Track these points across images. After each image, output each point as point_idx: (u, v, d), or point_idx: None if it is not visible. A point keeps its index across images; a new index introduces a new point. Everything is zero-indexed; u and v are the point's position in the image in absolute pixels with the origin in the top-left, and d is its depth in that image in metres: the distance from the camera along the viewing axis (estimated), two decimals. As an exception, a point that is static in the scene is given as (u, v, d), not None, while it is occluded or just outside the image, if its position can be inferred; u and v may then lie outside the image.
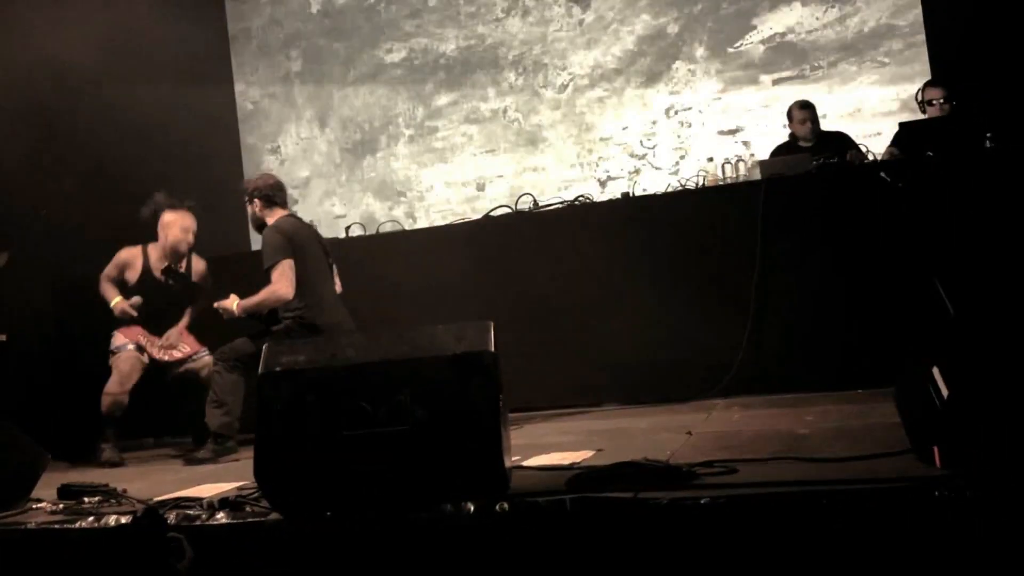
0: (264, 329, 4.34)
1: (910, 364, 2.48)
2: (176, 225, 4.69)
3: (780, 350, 4.49)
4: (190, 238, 4.72)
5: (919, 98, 5.37)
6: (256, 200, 4.47)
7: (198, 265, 4.86)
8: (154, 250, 4.76)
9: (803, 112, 5.50)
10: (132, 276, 4.72)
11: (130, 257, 4.75)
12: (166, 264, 4.59)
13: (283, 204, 4.52)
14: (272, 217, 4.44)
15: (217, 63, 7.33)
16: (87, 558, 2.73)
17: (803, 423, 3.46)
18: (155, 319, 4.69)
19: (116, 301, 4.63)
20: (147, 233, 4.79)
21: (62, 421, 4.69)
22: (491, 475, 2.48)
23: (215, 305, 4.37)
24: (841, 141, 5.41)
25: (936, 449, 2.25)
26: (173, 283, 4.71)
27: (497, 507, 2.38)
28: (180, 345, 4.69)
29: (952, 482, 2.09)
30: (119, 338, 4.64)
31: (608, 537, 2.27)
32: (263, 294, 4.27)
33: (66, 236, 5.24)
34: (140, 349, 4.60)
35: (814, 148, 5.31)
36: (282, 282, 4.23)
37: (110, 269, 4.75)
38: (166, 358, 4.64)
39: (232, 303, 4.32)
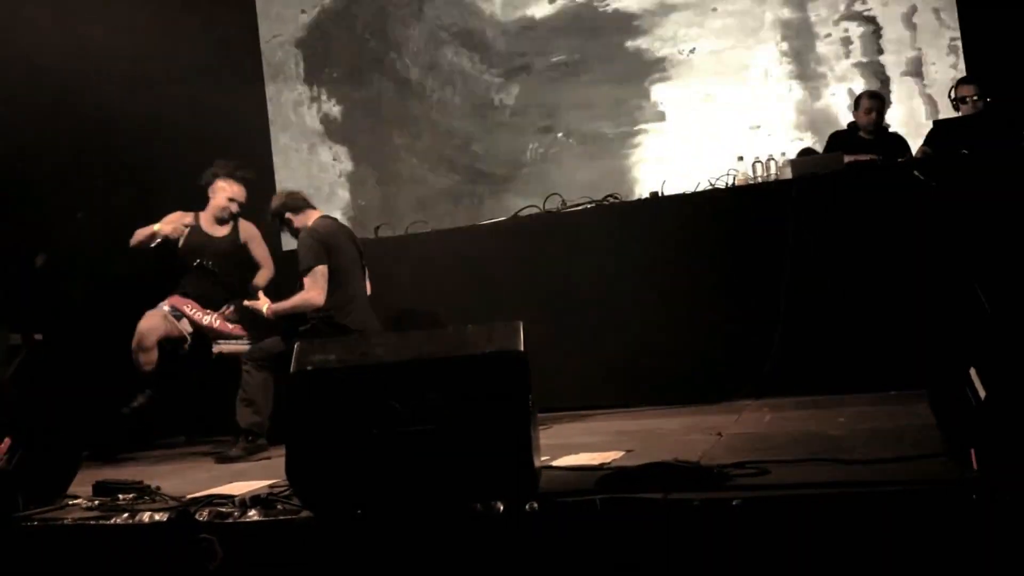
0: (292, 329, 4.38)
1: (945, 365, 2.44)
2: (223, 192, 4.81)
3: (811, 351, 4.43)
4: (234, 207, 4.83)
5: (952, 96, 5.30)
6: (286, 216, 4.52)
7: (249, 231, 4.96)
8: (204, 215, 4.86)
9: (871, 102, 5.40)
10: (174, 230, 4.77)
11: (178, 216, 4.81)
12: (197, 261, 4.66)
13: (310, 204, 4.57)
14: (308, 220, 4.48)
15: (248, 63, 7.38)
16: (122, 554, 2.77)
17: (835, 424, 3.43)
18: (202, 287, 4.77)
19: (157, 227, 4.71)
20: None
21: (97, 419, 4.74)
22: (521, 475, 2.48)
23: (245, 303, 4.43)
24: (899, 144, 5.34)
25: (973, 451, 2.21)
26: (204, 277, 4.75)
27: (527, 507, 2.38)
28: (230, 322, 4.76)
29: (990, 485, 2.05)
30: (165, 301, 4.72)
31: (639, 538, 2.26)
32: (295, 300, 4.31)
33: (101, 237, 5.31)
34: (177, 315, 4.67)
35: (873, 143, 5.26)
36: (314, 290, 4.28)
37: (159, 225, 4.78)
38: (214, 324, 4.70)
39: (263, 305, 4.37)
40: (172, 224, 4.79)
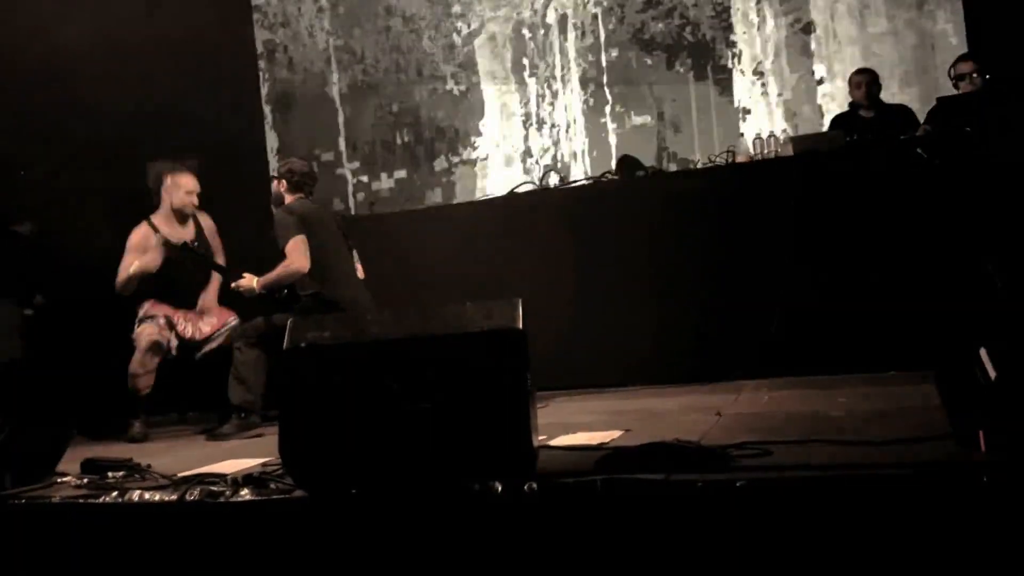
0: (284, 307, 4.33)
1: (954, 345, 2.40)
2: (180, 188, 4.64)
3: (812, 330, 4.39)
4: (194, 199, 4.67)
5: (951, 74, 5.24)
6: (284, 180, 4.47)
7: (207, 223, 4.82)
8: (160, 220, 4.65)
9: (859, 76, 5.44)
10: (153, 259, 4.51)
11: (142, 238, 4.59)
12: (183, 242, 4.57)
13: (308, 193, 4.51)
14: (290, 197, 4.45)
15: (239, 41, 7.25)
16: (111, 532, 2.72)
17: (836, 405, 3.39)
18: (183, 292, 4.65)
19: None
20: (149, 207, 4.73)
21: (88, 395, 4.67)
22: (518, 454, 2.43)
23: (233, 286, 4.37)
24: (903, 115, 5.30)
25: (981, 433, 2.17)
26: (192, 263, 4.66)
27: (525, 487, 2.33)
28: (208, 318, 4.68)
29: (1000, 468, 2.01)
30: (149, 307, 4.56)
31: (639, 519, 2.21)
32: (279, 269, 4.28)
33: (99, 207, 5.22)
34: (170, 325, 4.55)
35: (874, 120, 5.22)
36: (295, 255, 4.22)
37: (129, 260, 4.53)
38: (196, 336, 4.61)
39: (251, 281, 4.32)
40: (147, 254, 4.53)
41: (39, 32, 5.18)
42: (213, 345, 4.62)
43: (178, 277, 4.62)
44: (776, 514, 2.11)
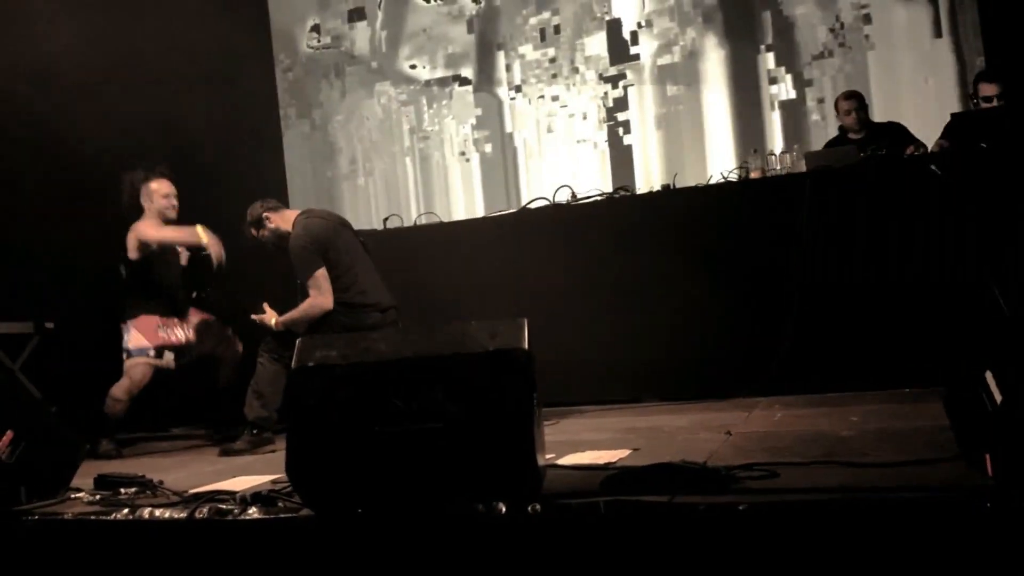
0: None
1: (962, 367, 2.38)
2: (157, 193, 4.63)
3: (824, 347, 4.37)
4: (173, 201, 4.66)
5: (972, 93, 5.19)
6: (264, 219, 4.39)
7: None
8: (147, 225, 4.62)
9: (848, 102, 5.38)
10: (172, 236, 4.61)
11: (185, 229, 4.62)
12: (196, 294, 4.69)
13: (284, 205, 4.51)
14: (287, 222, 4.38)
15: (258, 58, 7.31)
16: (122, 549, 2.74)
17: (847, 424, 3.37)
18: (169, 297, 4.68)
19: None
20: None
21: (101, 411, 4.71)
22: (523, 475, 2.43)
23: (252, 317, 4.37)
24: (896, 132, 5.26)
25: (988, 457, 2.15)
26: (210, 297, 4.77)
27: (529, 508, 2.33)
28: (192, 320, 4.76)
29: (1004, 493, 1.99)
30: (136, 337, 4.56)
31: (642, 543, 2.21)
32: (303, 308, 4.24)
33: (115, 227, 5.27)
34: (159, 354, 4.58)
35: (865, 140, 5.18)
36: (319, 295, 4.20)
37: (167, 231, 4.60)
38: (186, 339, 4.68)
39: (270, 318, 4.31)
40: (179, 233, 4.59)
41: (38, 40, 5.23)
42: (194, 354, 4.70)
43: (164, 285, 4.67)
44: (779, 538, 2.10)
